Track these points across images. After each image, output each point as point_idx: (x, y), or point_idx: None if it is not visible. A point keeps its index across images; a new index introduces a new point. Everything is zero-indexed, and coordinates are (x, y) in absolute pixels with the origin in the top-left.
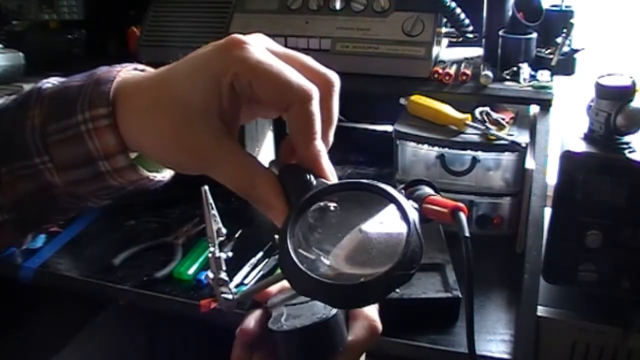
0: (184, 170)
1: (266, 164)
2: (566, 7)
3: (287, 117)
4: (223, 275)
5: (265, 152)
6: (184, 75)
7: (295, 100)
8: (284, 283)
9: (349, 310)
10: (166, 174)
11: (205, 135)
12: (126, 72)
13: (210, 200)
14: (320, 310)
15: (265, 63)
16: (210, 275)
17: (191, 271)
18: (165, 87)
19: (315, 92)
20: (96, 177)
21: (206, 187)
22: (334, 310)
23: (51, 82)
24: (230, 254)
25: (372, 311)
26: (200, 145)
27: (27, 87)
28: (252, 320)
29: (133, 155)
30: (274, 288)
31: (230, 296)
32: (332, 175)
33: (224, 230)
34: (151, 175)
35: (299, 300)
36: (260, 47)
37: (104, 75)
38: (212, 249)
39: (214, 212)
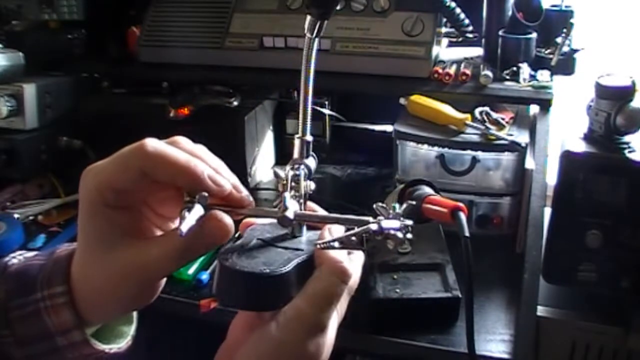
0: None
1: (266, 165)
2: (566, 7)
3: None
4: None
5: (266, 152)
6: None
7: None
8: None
9: (313, 262)
10: (122, 344)
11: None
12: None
13: None
14: (276, 264)
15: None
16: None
17: (191, 271)
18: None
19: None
20: (53, 352)
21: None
22: (285, 269)
23: (17, 258)
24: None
25: (338, 253)
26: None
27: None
28: None
29: (91, 330)
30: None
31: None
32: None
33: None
34: (107, 347)
35: (273, 235)
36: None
37: (62, 253)
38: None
39: None
